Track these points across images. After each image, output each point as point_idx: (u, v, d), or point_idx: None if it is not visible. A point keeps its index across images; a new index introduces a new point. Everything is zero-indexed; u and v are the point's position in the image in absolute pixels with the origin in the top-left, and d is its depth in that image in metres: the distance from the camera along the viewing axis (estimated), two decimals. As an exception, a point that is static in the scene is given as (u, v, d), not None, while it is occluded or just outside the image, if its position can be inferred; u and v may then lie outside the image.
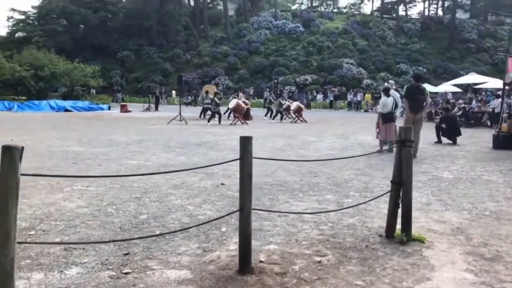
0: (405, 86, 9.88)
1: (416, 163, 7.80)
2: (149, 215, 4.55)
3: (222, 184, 6.11)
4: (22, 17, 49.20)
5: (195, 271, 3.18)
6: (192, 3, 56.46)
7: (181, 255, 3.48)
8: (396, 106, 10.09)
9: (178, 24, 50.82)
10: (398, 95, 10.52)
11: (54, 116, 21.47)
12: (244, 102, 21.26)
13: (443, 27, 52.29)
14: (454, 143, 11.71)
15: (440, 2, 65.29)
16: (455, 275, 3.16)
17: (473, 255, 3.57)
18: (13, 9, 48.37)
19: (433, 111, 21.35)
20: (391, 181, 4.01)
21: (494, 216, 4.72)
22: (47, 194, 5.34)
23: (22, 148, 2.26)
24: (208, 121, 18.29)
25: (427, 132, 12.68)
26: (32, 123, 16.73)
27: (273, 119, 20.92)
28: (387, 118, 9.83)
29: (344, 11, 66.84)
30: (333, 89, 37.81)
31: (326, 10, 67.99)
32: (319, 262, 3.38)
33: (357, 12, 64.05)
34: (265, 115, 21.90)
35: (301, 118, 20.06)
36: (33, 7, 49.60)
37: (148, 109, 28.06)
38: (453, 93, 28.98)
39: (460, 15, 55.59)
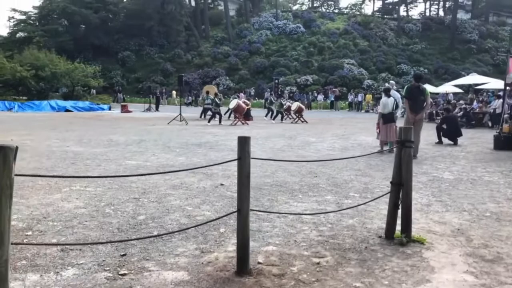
0: (406, 87, 9.84)
1: (417, 164, 7.78)
2: (147, 216, 4.52)
3: (221, 184, 6.08)
4: (23, 17, 49.32)
5: (192, 273, 3.15)
6: (193, 3, 56.49)
7: (178, 256, 3.45)
8: (397, 106, 10.06)
9: (179, 24, 50.85)
10: (399, 96, 10.49)
11: (54, 116, 21.47)
12: (244, 102, 21.24)
13: (444, 27, 52.26)
14: (455, 143, 11.67)
15: (441, 3, 65.30)
16: (455, 277, 3.13)
17: (473, 257, 3.53)
18: (14, 10, 48.76)
19: (434, 111, 21.32)
20: (390, 182, 3.98)
21: (495, 217, 4.68)
22: (45, 195, 5.32)
23: (16, 148, 2.23)
24: (209, 122, 18.27)
25: (428, 133, 12.66)
26: (32, 123, 16.72)
27: (273, 119, 20.89)
28: (387, 119, 9.80)
29: (345, 12, 66.84)
30: (334, 89, 37.78)
31: (327, 10, 68.04)
32: (318, 263, 3.35)
33: (358, 13, 63.99)
34: (266, 116, 21.88)
35: (301, 119, 20.04)
36: (34, 7, 49.82)
37: (148, 109, 28.06)
38: (454, 94, 28.94)
39: (461, 15, 55.58)
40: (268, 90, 35.85)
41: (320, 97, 38.57)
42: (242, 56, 47.27)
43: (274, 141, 11.85)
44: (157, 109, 29.19)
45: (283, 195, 5.56)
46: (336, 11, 68.38)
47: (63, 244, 3.64)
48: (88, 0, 47.53)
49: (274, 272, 3.18)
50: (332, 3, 72.91)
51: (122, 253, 3.48)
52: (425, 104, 9.28)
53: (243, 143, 3.10)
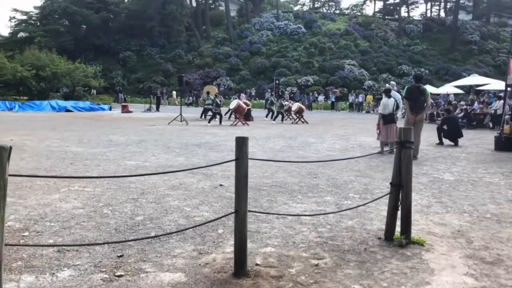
0: (406, 87, 9.81)
1: (417, 165, 7.75)
2: (145, 217, 4.50)
3: (221, 185, 6.05)
4: (24, 17, 49.32)
5: (189, 274, 3.12)
6: (194, 4, 56.46)
7: (176, 258, 3.42)
8: (397, 107, 10.03)
9: (180, 25, 50.82)
10: (399, 96, 10.45)
11: (54, 116, 21.45)
12: (245, 103, 21.21)
13: (445, 28, 52.19)
14: (456, 144, 11.63)
15: (442, 4, 65.19)
16: (455, 279, 3.10)
17: (473, 259, 3.50)
18: (15, 10, 48.64)
19: (434, 112, 21.28)
20: (390, 183, 3.95)
21: (495, 219, 4.65)
22: (43, 195, 5.29)
23: (10, 148, 2.21)
24: (209, 122, 18.24)
25: (429, 134, 12.62)
26: (32, 123, 16.70)
27: (274, 120, 20.87)
28: (388, 119, 9.77)
29: (346, 13, 66.75)
30: (334, 90, 37.75)
31: (328, 11, 67.99)
32: (317, 265, 3.32)
33: (359, 14, 63.88)
34: (266, 116, 21.86)
35: (302, 119, 20.00)
36: (35, 7, 49.84)
37: (149, 109, 28.03)
38: (455, 95, 28.89)
39: (463, 16, 55.51)
40: (269, 90, 35.80)
41: (321, 97, 38.54)
42: (243, 56, 47.24)
43: (274, 142, 11.82)
44: (157, 109, 29.16)
45: (283, 196, 5.53)
46: (337, 11, 68.34)
47: (59, 245, 3.61)
48: (89, 0, 47.56)
49: (272, 273, 3.15)
50: (333, 3, 72.88)
51: (119, 254, 3.46)
52: (425, 104, 9.25)
53: (241, 143, 3.07)
